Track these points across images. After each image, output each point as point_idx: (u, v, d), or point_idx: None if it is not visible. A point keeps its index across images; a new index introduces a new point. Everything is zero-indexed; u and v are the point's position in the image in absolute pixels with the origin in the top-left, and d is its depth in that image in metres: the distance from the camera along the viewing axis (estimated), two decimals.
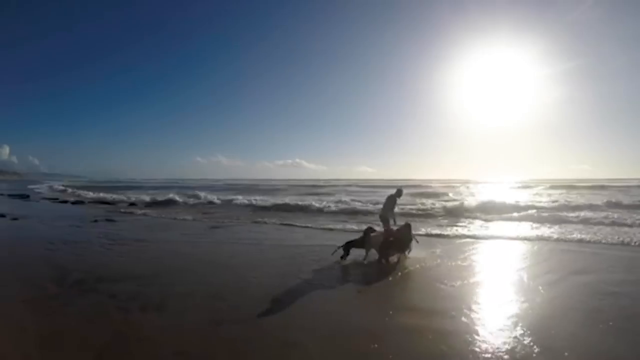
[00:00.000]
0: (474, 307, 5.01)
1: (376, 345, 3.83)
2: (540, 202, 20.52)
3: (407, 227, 8.10)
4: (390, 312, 4.84)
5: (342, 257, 7.77)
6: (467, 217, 15.38)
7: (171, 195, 26.68)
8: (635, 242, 9.50)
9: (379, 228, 8.55)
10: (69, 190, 41.60)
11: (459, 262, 7.65)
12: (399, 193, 8.86)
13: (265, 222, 14.57)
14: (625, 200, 20.25)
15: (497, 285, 6.30)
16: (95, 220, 14.86)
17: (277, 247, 9.31)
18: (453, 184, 48.38)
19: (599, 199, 20.89)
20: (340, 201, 21.65)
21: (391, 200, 8.85)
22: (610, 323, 4.39)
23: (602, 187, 38.72)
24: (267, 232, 12.10)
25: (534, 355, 3.65)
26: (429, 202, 20.60)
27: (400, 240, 7.88)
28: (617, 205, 17.93)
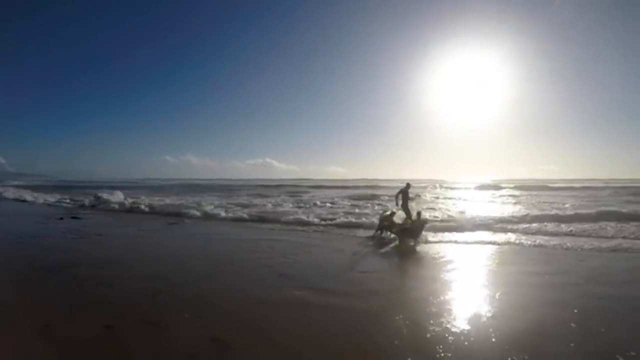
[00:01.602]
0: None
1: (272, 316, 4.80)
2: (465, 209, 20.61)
3: (424, 221, 10.52)
4: (298, 291, 5.86)
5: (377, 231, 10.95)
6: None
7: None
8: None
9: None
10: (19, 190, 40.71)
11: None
12: (408, 186, 11.83)
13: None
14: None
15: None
16: (61, 218, 16.44)
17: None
18: (424, 184, 50.62)
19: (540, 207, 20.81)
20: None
21: (405, 193, 11.61)
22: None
23: (555, 189, 41.64)
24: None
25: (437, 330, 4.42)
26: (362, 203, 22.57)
27: (415, 229, 10.27)
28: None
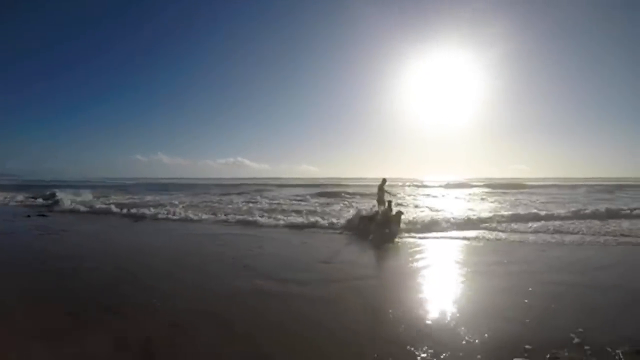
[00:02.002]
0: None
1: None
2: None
3: (399, 214, 11.13)
4: (260, 281, 6.03)
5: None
6: None
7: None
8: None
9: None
10: None
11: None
12: (384, 182, 12.47)
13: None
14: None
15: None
16: (28, 216, 16.34)
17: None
18: (397, 183, 50.63)
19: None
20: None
21: (381, 188, 12.31)
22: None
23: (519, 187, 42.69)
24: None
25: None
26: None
27: (388, 221, 10.86)
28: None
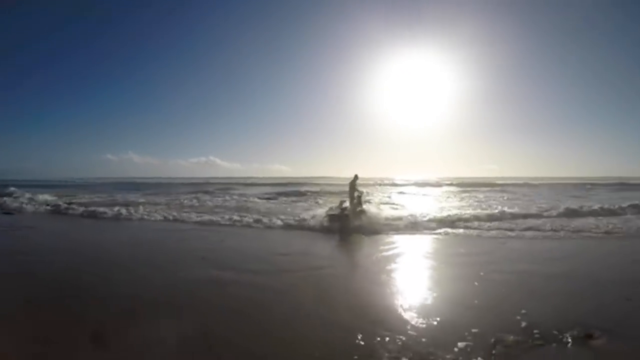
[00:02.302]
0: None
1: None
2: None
3: (359, 208, 11.14)
4: (216, 272, 6.01)
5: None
6: None
7: None
8: None
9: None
10: None
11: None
12: (356, 178, 12.12)
13: None
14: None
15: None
16: None
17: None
18: (369, 182, 50.42)
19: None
20: None
21: (352, 185, 12.00)
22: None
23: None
24: None
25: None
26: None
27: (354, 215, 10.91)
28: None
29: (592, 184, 41.77)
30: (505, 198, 23.42)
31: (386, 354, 3.19)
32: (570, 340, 3.37)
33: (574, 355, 3.18)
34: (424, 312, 4.15)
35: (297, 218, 12.21)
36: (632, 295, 4.68)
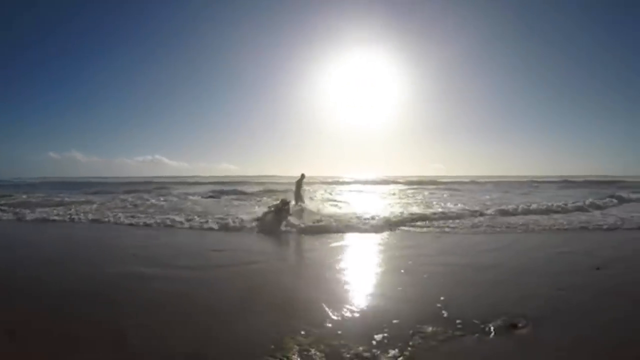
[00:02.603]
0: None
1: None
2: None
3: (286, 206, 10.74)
4: (145, 268, 5.72)
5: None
6: None
7: None
8: None
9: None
10: None
11: None
12: (302, 177, 12.43)
13: None
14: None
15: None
16: None
17: None
18: (315, 181, 49.56)
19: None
20: None
21: (298, 183, 12.26)
22: None
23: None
24: None
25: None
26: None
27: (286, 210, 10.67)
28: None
29: (538, 182, 43.35)
30: (446, 195, 23.59)
31: (297, 347, 2.95)
32: (493, 330, 3.17)
33: (495, 345, 2.96)
34: (347, 305, 3.90)
35: (234, 217, 11.58)
36: (559, 285, 4.60)
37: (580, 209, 13.41)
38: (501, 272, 5.38)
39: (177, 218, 11.63)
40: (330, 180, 52.66)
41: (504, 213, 12.50)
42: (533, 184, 39.15)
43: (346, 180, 54.51)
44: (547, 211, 12.80)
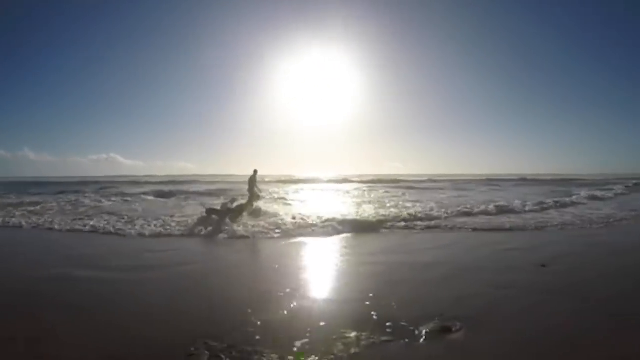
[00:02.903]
0: None
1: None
2: None
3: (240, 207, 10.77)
4: (78, 271, 5.46)
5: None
6: None
7: None
8: None
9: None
10: None
11: None
12: (255, 173, 11.98)
13: None
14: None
15: None
16: None
17: None
18: (270, 179, 46.34)
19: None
20: None
21: (251, 180, 11.82)
22: None
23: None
24: None
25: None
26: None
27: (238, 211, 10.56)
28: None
29: (497, 180, 44.11)
30: (401, 194, 23.27)
31: (207, 353, 2.72)
32: (424, 334, 2.95)
33: (424, 352, 2.74)
34: (273, 309, 3.63)
35: (173, 219, 10.94)
36: (502, 283, 4.47)
37: (536, 206, 13.50)
38: (442, 271, 5.21)
39: (113, 220, 10.88)
40: (284, 179, 51.03)
41: (458, 212, 12.32)
42: (491, 183, 39.52)
43: (302, 179, 53.15)
44: (501, 210, 12.70)
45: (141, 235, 8.85)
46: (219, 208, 10.62)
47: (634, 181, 34.40)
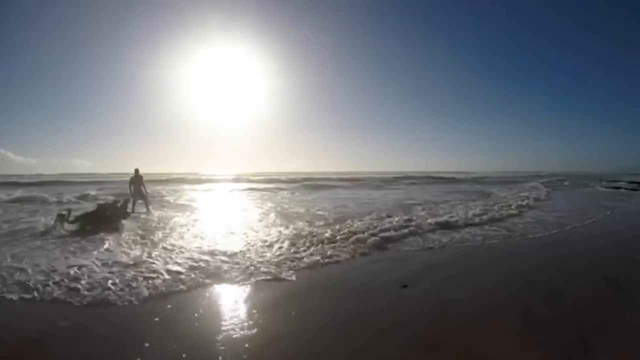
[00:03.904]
0: None
1: None
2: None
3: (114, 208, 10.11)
4: None
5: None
6: None
7: None
8: None
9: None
10: None
11: None
12: (136, 171, 11.92)
13: None
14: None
15: None
16: None
17: None
18: (165, 177, 44.74)
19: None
20: None
21: (132, 181, 11.85)
22: None
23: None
24: None
25: None
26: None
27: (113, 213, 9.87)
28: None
29: (407, 178, 45.23)
30: (296, 193, 22.68)
31: None
32: None
33: None
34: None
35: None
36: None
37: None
38: None
39: None
40: (190, 177, 49.02)
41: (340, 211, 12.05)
42: (402, 180, 40.29)
43: (204, 178, 50.16)
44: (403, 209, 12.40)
45: None
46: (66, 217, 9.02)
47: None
